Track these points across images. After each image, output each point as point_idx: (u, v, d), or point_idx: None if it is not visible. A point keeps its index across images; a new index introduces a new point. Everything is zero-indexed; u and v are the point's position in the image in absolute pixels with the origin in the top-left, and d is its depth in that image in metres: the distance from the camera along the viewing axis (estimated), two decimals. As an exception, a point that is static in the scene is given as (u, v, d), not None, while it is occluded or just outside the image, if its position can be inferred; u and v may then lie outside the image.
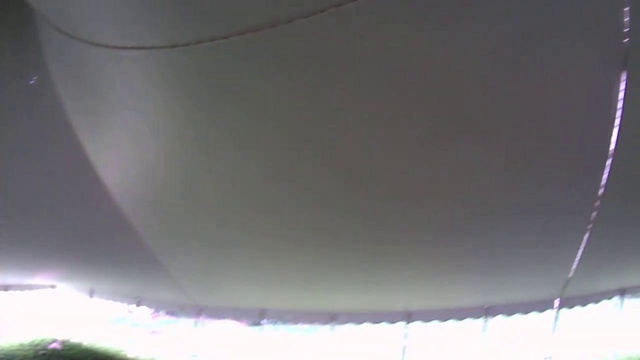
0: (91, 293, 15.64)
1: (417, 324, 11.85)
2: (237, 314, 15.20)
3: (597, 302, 11.72)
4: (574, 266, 9.50)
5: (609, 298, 11.86)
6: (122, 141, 8.93)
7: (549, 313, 11.39)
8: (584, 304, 11.66)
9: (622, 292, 11.94)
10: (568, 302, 11.27)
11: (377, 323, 12.04)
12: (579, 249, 8.98)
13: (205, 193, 9.28)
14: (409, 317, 11.98)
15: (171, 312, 18.61)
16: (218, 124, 7.74)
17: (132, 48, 6.73)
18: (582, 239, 8.74)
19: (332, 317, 12.77)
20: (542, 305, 11.41)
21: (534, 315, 11.46)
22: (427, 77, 6.33)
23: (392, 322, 11.87)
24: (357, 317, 12.62)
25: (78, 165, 9.45)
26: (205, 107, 7.47)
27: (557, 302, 11.10)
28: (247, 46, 6.06)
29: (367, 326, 12.10)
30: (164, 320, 23.05)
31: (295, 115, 7.14)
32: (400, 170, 7.84)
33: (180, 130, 8.16)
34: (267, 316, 13.49)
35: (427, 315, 12.22)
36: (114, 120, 8.60)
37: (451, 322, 11.71)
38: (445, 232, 8.96)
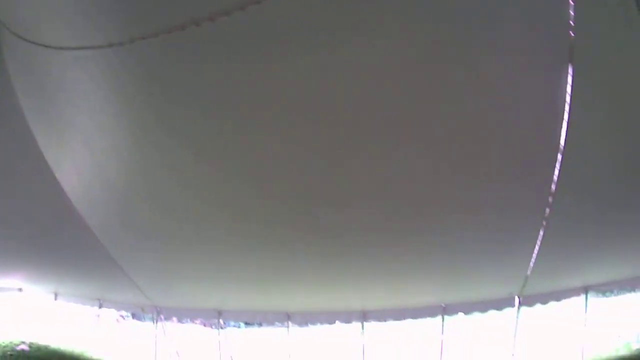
0: (55, 296, 15.59)
1: (374, 324, 11.77)
2: (195, 314, 15.23)
3: (559, 300, 11.74)
4: (532, 263, 9.45)
5: (572, 296, 11.91)
6: (76, 143, 8.77)
7: (510, 311, 11.44)
8: (544, 302, 11.70)
9: (586, 290, 11.99)
10: (529, 300, 11.29)
11: (333, 323, 11.93)
12: (535, 245, 8.92)
13: (158, 193, 9.10)
14: (365, 316, 11.94)
15: (136, 316, 18.61)
16: (162, 123, 7.49)
17: (74, 48, 6.60)
18: (537, 235, 8.67)
19: (288, 317, 12.66)
20: (502, 303, 11.44)
21: (494, 313, 11.46)
22: (362, 72, 6.21)
23: (348, 321, 11.81)
24: (313, 317, 12.62)
25: (35, 167, 9.30)
26: (146, 104, 7.23)
27: (517, 300, 11.10)
28: (175, 43, 5.90)
29: (324, 326, 11.95)
30: (129, 323, 23.21)
31: (233, 109, 6.98)
32: (350, 172, 7.68)
33: (128, 131, 7.92)
34: (224, 316, 13.34)
35: (383, 315, 12.23)
36: (66, 122, 8.41)
37: (409, 321, 11.62)
38: (399, 232, 8.79)
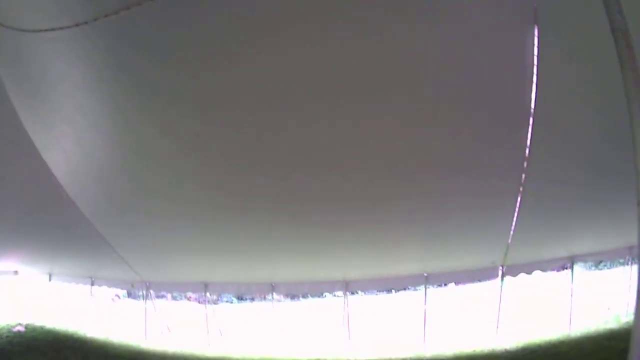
0: (50, 276, 15.96)
1: (360, 296, 11.89)
2: (182, 287, 15.37)
3: (544, 270, 11.88)
4: (512, 231, 9.57)
5: (557, 266, 12.04)
6: (60, 124, 8.78)
7: (494, 281, 11.57)
8: (529, 272, 11.82)
9: (572, 260, 12.12)
10: (512, 270, 11.41)
11: (317, 293, 12.07)
12: (514, 212, 9.03)
13: (139, 169, 9.17)
14: (347, 286, 12.06)
15: (132, 295, 18.80)
16: (133, 100, 7.53)
17: (46, 30, 6.63)
18: (515, 202, 8.78)
19: (272, 288, 12.80)
20: (486, 273, 11.57)
21: (479, 284, 11.57)
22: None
23: (332, 291, 11.91)
24: (297, 288, 12.69)
25: (24, 150, 9.29)
26: (116, 82, 7.28)
27: (500, 269, 11.24)
28: (136, 21, 6.00)
29: (312, 299, 12.06)
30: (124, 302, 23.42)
31: (201, 86, 7.06)
32: (331, 141, 7.71)
33: (105, 109, 7.99)
34: (210, 289, 13.51)
35: (366, 284, 12.35)
36: (49, 103, 8.46)
37: (393, 294, 11.72)
38: (379, 200, 8.83)
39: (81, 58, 7.04)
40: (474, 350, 11.11)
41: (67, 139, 9.09)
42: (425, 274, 11.59)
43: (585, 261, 15.64)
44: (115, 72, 7.04)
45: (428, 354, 11.18)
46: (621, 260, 15.52)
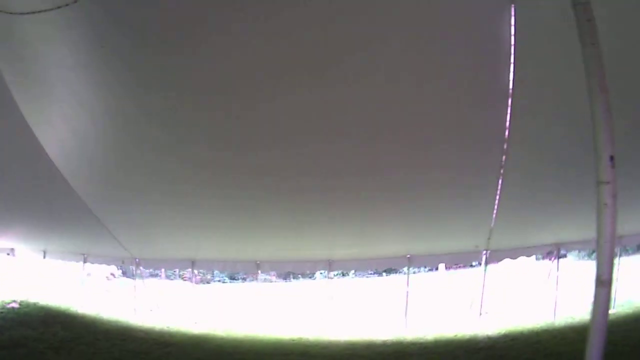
0: (44, 254, 16.09)
1: (348, 275, 11.87)
2: (170, 264, 15.42)
3: (529, 255, 11.78)
4: (494, 215, 9.46)
5: (542, 252, 11.92)
6: (51, 104, 8.76)
7: (478, 265, 11.49)
8: (514, 257, 11.72)
9: (558, 247, 12.00)
10: (497, 255, 11.31)
11: (300, 271, 12.04)
12: (495, 196, 8.90)
13: (129, 147, 9.10)
14: (331, 265, 12.03)
15: (126, 274, 18.99)
16: (117, 79, 7.42)
17: (31, 13, 6.57)
18: (496, 185, 8.66)
19: (257, 266, 12.76)
20: (470, 256, 11.48)
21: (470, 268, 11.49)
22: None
23: (314, 270, 11.89)
24: (281, 266, 12.69)
25: (17, 128, 9.24)
26: (100, 61, 7.17)
27: (483, 253, 11.14)
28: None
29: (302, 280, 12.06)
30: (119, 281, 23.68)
31: (185, 69, 6.92)
32: (309, 118, 7.56)
33: (90, 88, 7.84)
34: (197, 266, 13.52)
35: (349, 264, 12.27)
36: (41, 84, 8.40)
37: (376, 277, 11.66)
38: (364, 179, 8.74)
39: (66, 39, 6.95)
40: (456, 335, 11.04)
41: (58, 117, 8.97)
42: (408, 256, 11.46)
43: (571, 249, 15.48)
44: (97, 52, 6.97)
45: (409, 337, 11.09)
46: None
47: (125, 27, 6.44)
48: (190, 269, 13.99)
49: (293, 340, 11.55)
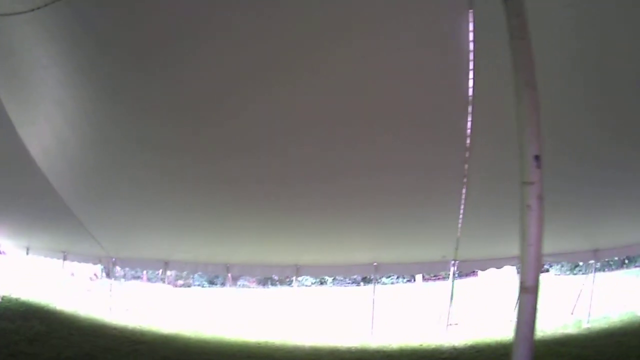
0: (27, 250, 16.28)
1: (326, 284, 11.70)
2: (145, 264, 15.30)
3: (498, 267, 11.51)
4: (460, 225, 9.21)
5: (512, 264, 11.67)
6: (33, 103, 8.68)
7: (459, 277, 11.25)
8: (483, 268, 11.48)
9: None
10: (465, 265, 11.06)
11: (269, 275, 11.86)
12: (460, 205, 8.67)
13: (106, 148, 9.00)
14: (298, 271, 11.81)
15: (109, 275, 18.98)
16: (90, 81, 7.34)
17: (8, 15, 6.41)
18: (460, 195, 8.43)
19: (227, 269, 12.59)
20: (436, 266, 11.24)
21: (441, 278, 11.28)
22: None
23: (282, 275, 11.70)
24: (250, 269, 12.54)
25: (3, 132, 9.24)
26: (74, 61, 7.13)
27: (451, 263, 10.87)
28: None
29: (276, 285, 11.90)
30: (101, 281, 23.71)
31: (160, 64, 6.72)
32: (293, 125, 7.43)
33: (66, 89, 7.80)
34: (170, 267, 13.36)
35: (316, 270, 12.07)
36: (25, 83, 8.38)
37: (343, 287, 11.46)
38: (331, 185, 8.53)
39: (43, 40, 6.87)
40: (421, 345, 10.79)
41: (40, 117, 8.92)
42: (375, 263, 11.22)
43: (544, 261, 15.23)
44: (72, 53, 6.95)
45: (374, 345, 10.84)
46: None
47: (95, 31, 6.36)
48: (162, 270, 13.74)
49: (259, 344, 11.39)
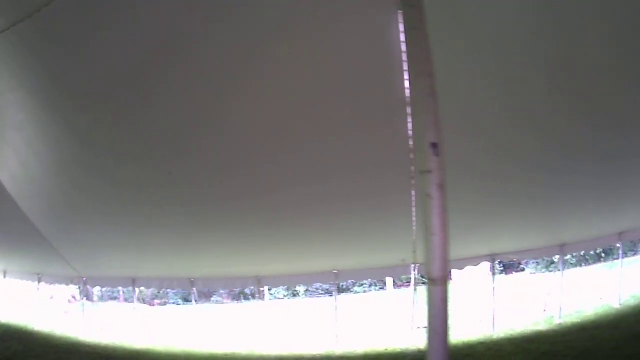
0: (4, 274, 16.16)
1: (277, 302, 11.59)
2: (113, 282, 15.17)
3: (461, 268, 11.40)
4: (414, 227, 9.06)
5: (476, 264, 11.57)
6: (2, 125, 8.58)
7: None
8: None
9: (492, 258, 11.63)
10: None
11: (232, 287, 11.71)
12: (412, 207, 8.53)
13: (67, 170, 8.79)
14: (260, 282, 11.65)
15: (88, 297, 18.81)
16: (58, 101, 7.07)
17: None
18: (410, 197, 8.29)
19: (191, 284, 12.47)
20: (398, 270, 11.11)
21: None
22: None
23: (245, 287, 11.54)
24: (214, 283, 12.43)
25: None
26: (36, 84, 6.90)
27: (412, 267, 10.72)
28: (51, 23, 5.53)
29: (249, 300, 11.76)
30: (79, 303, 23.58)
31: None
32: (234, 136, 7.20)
33: (33, 110, 7.60)
34: (137, 284, 13.23)
35: (277, 280, 11.92)
36: None
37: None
38: (280, 194, 8.37)
39: (15, 58, 6.56)
40: (386, 349, 10.63)
41: (2, 141, 8.71)
42: (335, 271, 11.05)
43: (505, 260, 15.20)
44: (40, 72, 6.62)
45: (339, 351, 10.65)
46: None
47: (45, 63, 6.25)
48: (132, 287, 13.57)
49: (226, 355, 11.26)
